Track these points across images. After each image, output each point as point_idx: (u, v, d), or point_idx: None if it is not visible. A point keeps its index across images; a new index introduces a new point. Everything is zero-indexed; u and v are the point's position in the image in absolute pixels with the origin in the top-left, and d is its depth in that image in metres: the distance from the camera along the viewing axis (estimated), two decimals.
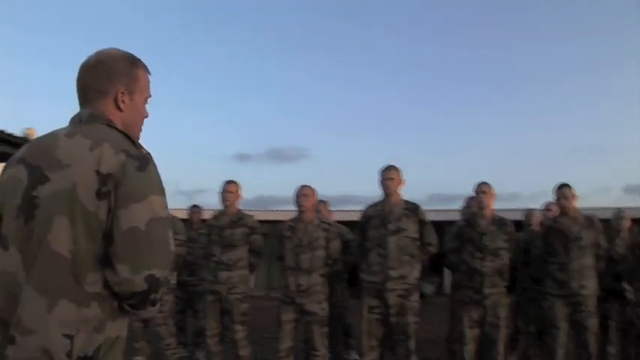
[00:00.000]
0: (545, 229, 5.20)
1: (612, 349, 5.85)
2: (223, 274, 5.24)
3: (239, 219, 5.44)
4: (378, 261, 4.95)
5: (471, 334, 4.92)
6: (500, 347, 4.92)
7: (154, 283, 1.47)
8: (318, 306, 5.06)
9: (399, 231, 4.96)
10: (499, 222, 5.03)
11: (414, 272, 5.01)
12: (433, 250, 5.27)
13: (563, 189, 5.06)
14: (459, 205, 6.06)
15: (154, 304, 1.53)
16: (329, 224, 5.38)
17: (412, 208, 5.09)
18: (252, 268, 5.57)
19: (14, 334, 1.43)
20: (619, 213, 6.19)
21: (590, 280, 4.95)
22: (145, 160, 1.53)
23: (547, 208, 6.25)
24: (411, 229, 5.01)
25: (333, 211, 7.27)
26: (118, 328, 1.55)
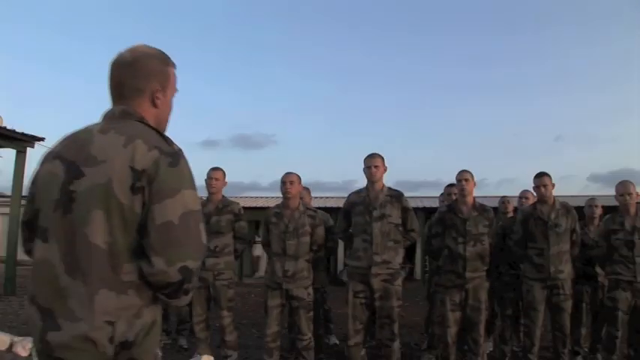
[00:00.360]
0: (524, 215, 5.36)
1: (583, 330, 6.08)
2: (210, 261, 5.28)
3: (224, 206, 5.48)
4: (363, 247, 5.06)
5: (453, 317, 5.05)
6: (481, 329, 5.06)
7: (187, 274, 1.55)
8: (305, 291, 5.14)
9: (383, 217, 5.07)
10: (480, 208, 5.18)
11: (398, 257, 5.14)
12: (416, 236, 5.41)
13: (542, 177, 5.23)
14: (423, 191, 6.18)
15: (186, 293, 1.63)
16: (314, 211, 5.46)
17: (396, 195, 5.20)
18: (236, 254, 5.64)
19: (59, 321, 1.52)
20: (592, 201, 6.43)
21: (566, 264, 5.14)
22: (176, 157, 1.60)
23: (523, 196, 6.42)
24: (395, 215, 5.12)
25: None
26: (154, 313, 1.64)
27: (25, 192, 10.64)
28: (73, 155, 1.61)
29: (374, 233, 5.03)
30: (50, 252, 1.57)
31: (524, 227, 5.27)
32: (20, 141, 11.46)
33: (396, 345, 5.09)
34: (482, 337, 5.09)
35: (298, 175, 5.35)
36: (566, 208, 5.25)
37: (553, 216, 5.15)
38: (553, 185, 5.25)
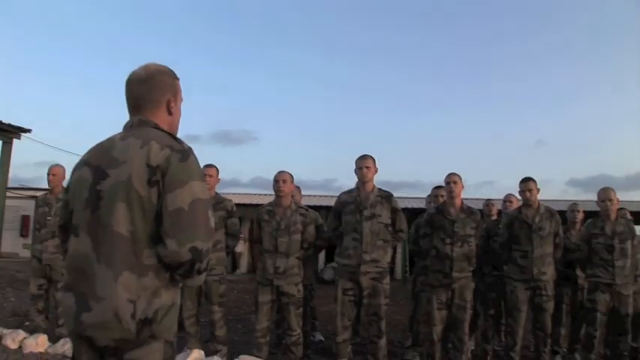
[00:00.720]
0: (509, 218, 5.52)
1: (563, 330, 6.27)
2: None
3: (217, 202, 5.56)
4: (353, 245, 5.18)
5: (439, 315, 5.19)
6: (466, 328, 5.21)
7: (197, 254, 1.76)
8: (295, 288, 5.25)
9: (373, 217, 5.20)
10: (468, 210, 5.33)
11: (387, 257, 5.29)
12: (404, 236, 5.55)
13: (528, 182, 5.41)
14: (402, 192, 6.28)
15: (199, 272, 1.83)
16: (306, 209, 5.57)
17: (386, 196, 5.34)
18: (228, 250, 5.73)
19: (90, 302, 1.74)
20: (574, 206, 6.64)
21: (549, 266, 5.31)
22: (185, 153, 1.84)
23: (507, 200, 6.59)
24: (385, 215, 5.26)
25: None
26: (172, 296, 1.85)
27: (10, 183, 10.60)
28: (99, 160, 1.87)
29: (364, 232, 5.15)
30: (82, 244, 1.80)
31: (509, 230, 5.44)
32: (6, 132, 11.43)
33: (383, 342, 5.22)
34: (467, 335, 5.24)
35: (291, 174, 5.45)
36: (550, 212, 5.43)
37: (537, 220, 5.32)
38: (538, 190, 5.42)
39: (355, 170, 5.35)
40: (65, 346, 5.55)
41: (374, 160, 5.35)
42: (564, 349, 6.34)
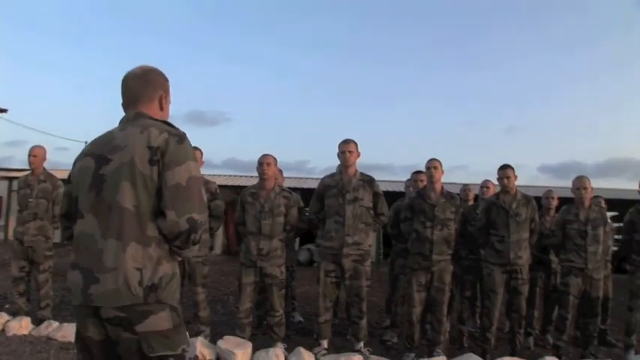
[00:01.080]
0: (487, 204, 5.66)
1: (536, 313, 6.47)
2: None
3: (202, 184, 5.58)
4: (335, 228, 5.28)
5: (418, 297, 5.32)
6: (444, 309, 5.37)
7: (193, 224, 1.97)
8: (278, 269, 5.33)
9: (355, 200, 5.30)
10: (448, 195, 5.45)
11: (368, 239, 5.40)
12: (385, 219, 5.66)
13: (506, 170, 5.54)
14: (375, 175, 6.30)
15: (194, 243, 2.05)
16: (289, 192, 5.63)
17: (368, 180, 5.43)
18: (211, 232, 5.78)
19: (97, 275, 1.90)
20: (549, 193, 6.83)
21: (525, 251, 5.47)
22: (182, 136, 2.04)
23: (484, 185, 6.73)
24: (366, 199, 5.36)
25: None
26: (172, 266, 2.05)
27: None
28: (100, 149, 2.05)
29: (346, 215, 5.25)
30: (86, 224, 1.98)
31: (487, 215, 5.58)
32: None
33: (364, 322, 5.35)
34: (445, 316, 5.39)
35: (274, 157, 5.51)
36: (526, 198, 5.58)
37: (514, 206, 5.46)
38: (515, 177, 5.56)
39: (338, 154, 5.42)
40: (49, 328, 5.57)
41: (356, 144, 5.43)
42: (537, 331, 6.55)
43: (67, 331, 5.42)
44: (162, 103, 2.23)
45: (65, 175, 2.45)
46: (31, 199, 5.98)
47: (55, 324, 5.66)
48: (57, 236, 6.76)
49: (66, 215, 2.22)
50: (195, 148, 5.58)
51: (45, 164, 6.19)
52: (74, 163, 2.18)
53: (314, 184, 18.07)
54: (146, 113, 2.14)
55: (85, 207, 1.99)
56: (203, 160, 5.76)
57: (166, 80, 2.27)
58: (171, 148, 1.96)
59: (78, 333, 2.04)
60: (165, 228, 1.95)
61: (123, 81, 2.20)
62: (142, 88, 2.17)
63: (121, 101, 2.22)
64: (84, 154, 2.12)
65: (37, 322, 5.80)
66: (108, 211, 1.93)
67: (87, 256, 1.95)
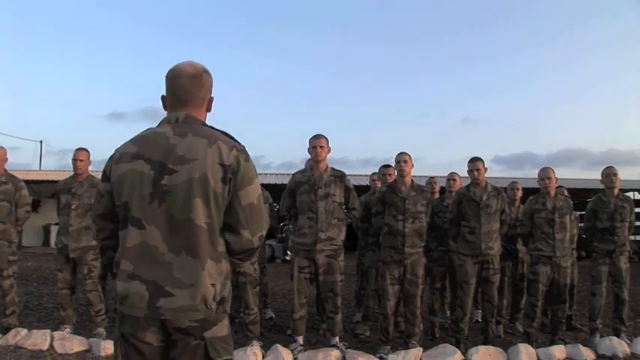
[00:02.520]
0: (458, 196, 5.73)
1: (505, 301, 6.59)
2: None
3: None
4: (308, 224, 5.27)
5: (392, 290, 5.36)
6: (418, 301, 5.42)
7: (261, 240, 2.08)
8: (251, 267, 5.30)
9: (327, 196, 5.30)
10: (418, 188, 5.50)
11: (341, 235, 5.41)
12: (357, 214, 5.69)
13: (476, 162, 5.61)
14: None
15: (254, 254, 2.17)
16: (261, 188, 5.58)
17: (339, 175, 5.44)
18: None
19: (169, 289, 1.90)
20: (514, 184, 6.96)
21: (496, 242, 5.56)
22: (246, 153, 2.05)
23: (451, 178, 6.80)
24: (338, 194, 5.37)
25: None
26: (230, 275, 2.11)
27: None
28: (159, 156, 1.96)
29: (319, 211, 5.25)
30: (149, 236, 1.93)
31: (458, 207, 5.64)
32: None
33: (339, 317, 5.36)
34: (419, 308, 5.43)
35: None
36: (497, 190, 5.66)
37: (485, 197, 5.54)
38: (485, 169, 5.64)
39: (309, 149, 5.41)
40: (17, 336, 5.38)
41: (327, 139, 5.42)
42: (506, 319, 6.67)
43: (37, 339, 5.28)
44: (211, 105, 2.20)
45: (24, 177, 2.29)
46: None
47: (24, 331, 5.47)
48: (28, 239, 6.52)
49: (103, 216, 2.13)
50: None
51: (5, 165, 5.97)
52: (115, 162, 2.04)
53: (273, 180, 18.11)
54: (197, 118, 2.09)
55: (146, 217, 1.94)
56: None
57: (212, 79, 2.20)
58: (243, 167, 1.98)
59: (125, 337, 1.98)
60: (238, 245, 2.00)
61: (173, 79, 2.09)
62: (197, 89, 2.10)
63: (167, 99, 2.12)
64: (132, 156, 2.00)
65: (3, 330, 5.61)
66: (176, 226, 1.92)
67: (150, 268, 1.93)
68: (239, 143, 2.06)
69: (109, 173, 2.06)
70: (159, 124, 2.10)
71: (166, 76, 2.11)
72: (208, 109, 2.20)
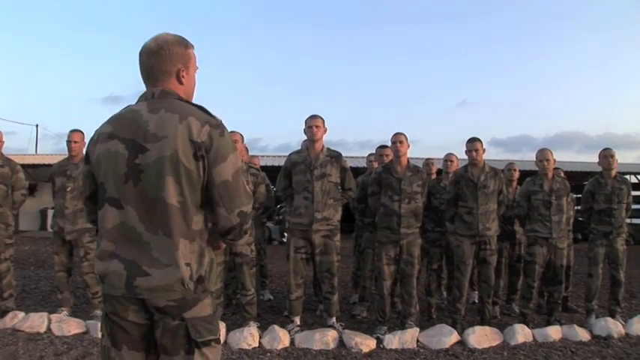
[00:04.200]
0: (456, 177, 5.72)
1: (501, 282, 6.61)
2: None
3: None
4: (304, 204, 5.26)
5: (388, 270, 5.37)
6: (414, 282, 5.42)
7: (243, 217, 1.98)
8: (248, 248, 5.29)
9: (323, 176, 5.28)
10: (414, 169, 5.48)
11: (337, 215, 5.39)
12: (353, 195, 5.67)
13: (474, 142, 5.59)
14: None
15: (245, 232, 2.04)
16: (257, 170, 5.57)
17: (335, 156, 5.42)
18: None
19: (146, 269, 1.88)
20: (511, 165, 6.95)
21: (493, 222, 5.56)
22: (221, 127, 1.98)
23: (448, 159, 6.79)
24: (334, 174, 5.35)
25: None
26: (210, 254, 2.06)
27: None
28: (131, 134, 1.93)
29: (315, 191, 5.23)
30: (127, 216, 1.91)
31: (456, 188, 5.63)
32: None
33: (336, 298, 5.37)
34: (415, 289, 5.44)
35: (241, 134, 5.45)
36: (494, 171, 5.65)
37: (482, 178, 5.52)
38: (484, 150, 5.62)
39: (304, 130, 5.38)
40: (15, 319, 5.37)
41: (323, 120, 5.40)
42: (503, 300, 6.69)
43: (35, 322, 5.27)
44: (182, 76, 2.07)
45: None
46: None
47: (21, 314, 5.46)
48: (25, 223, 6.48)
49: (90, 198, 2.12)
50: (233, 132, 5.41)
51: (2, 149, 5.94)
52: (93, 143, 2.03)
53: (270, 162, 18.11)
54: (174, 92, 2.03)
55: (122, 197, 1.92)
56: (244, 144, 5.62)
57: (187, 48, 2.10)
58: (215, 144, 1.91)
59: (109, 317, 1.99)
60: (218, 224, 1.96)
61: (139, 56, 2.06)
62: (157, 64, 2.03)
63: (141, 76, 2.08)
64: (107, 136, 1.98)
65: (1, 313, 5.60)
66: (150, 205, 1.89)
67: (129, 247, 1.91)
68: (214, 118, 2.00)
69: (90, 155, 2.05)
70: (137, 101, 2.06)
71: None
72: (180, 82, 2.09)
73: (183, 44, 2.10)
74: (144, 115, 1.95)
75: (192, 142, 1.88)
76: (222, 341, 3.73)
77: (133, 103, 2.07)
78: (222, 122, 2.02)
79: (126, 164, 1.91)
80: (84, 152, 5.72)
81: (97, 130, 2.06)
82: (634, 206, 6.77)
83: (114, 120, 2.03)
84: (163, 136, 1.88)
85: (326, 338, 4.92)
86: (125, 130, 1.95)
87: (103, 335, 2.03)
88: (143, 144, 1.90)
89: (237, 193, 1.95)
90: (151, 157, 1.88)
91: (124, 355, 1.97)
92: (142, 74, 2.07)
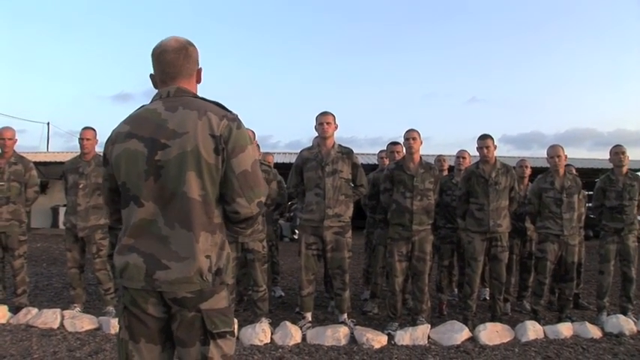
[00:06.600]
0: (467, 173, 5.71)
1: (512, 279, 6.60)
2: None
3: None
4: (316, 200, 5.27)
5: (400, 267, 5.38)
6: (426, 278, 5.43)
7: (261, 207, 2.07)
8: (260, 244, 5.31)
9: (335, 173, 5.29)
10: (427, 166, 5.48)
11: (349, 211, 5.40)
12: (364, 191, 5.68)
13: (485, 139, 5.58)
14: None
15: (257, 222, 2.19)
16: (268, 166, 5.58)
17: (346, 152, 5.43)
18: None
19: (166, 262, 1.92)
20: (522, 162, 6.95)
21: (504, 219, 5.55)
22: (238, 121, 2.04)
23: (460, 155, 6.79)
24: (345, 171, 5.36)
25: None
26: (229, 246, 2.11)
27: None
28: (150, 132, 1.97)
29: (326, 188, 5.25)
30: (148, 212, 1.95)
31: (467, 184, 5.63)
32: None
33: (347, 294, 5.39)
34: (426, 285, 5.45)
35: (252, 131, 5.47)
36: (506, 167, 5.64)
37: (494, 175, 5.52)
38: (495, 147, 5.62)
39: (315, 126, 5.40)
40: (28, 315, 5.40)
41: (334, 116, 5.41)
42: (514, 297, 6.68)
43: (48, 318, 5.31)
44: (200, 77, 2.19)
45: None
46: (2, 183, 5.75)
47: (35, 310, 5.49)
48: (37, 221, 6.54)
49: (112, 199, 2.17)
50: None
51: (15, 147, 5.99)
52: (111, 143, 2.07)
53: (280, 159, 18.13)
54: (188, 89, 2.09)
55: (143, 195, 1.95)
56: (256, 140, 5.66)
57: (198, 52, 2.20)
58: (234, 135, 1.97)
59: (127, 309, 2.02)
60: (237, 214, 2.01)
61: (159, 55, 2.08)
62: (184, 61, 2.09)
63: (156, 75, 2.12)
64: (125, 135, 2.01)
65: (15, 309, 5.64)
66: (171, 199, 1.93)
67: (148, 241, 1.95)
68: (230, 112, 2.06)
69: (108, 156, 2.08)
70: (152, 101, 2.10)
71: (152, 54, 2.10)
72: (198, 81, 2.19)
73: (196, 48, 2.19)
74: (162, 114, 1.99)
75: (213, 137, 1.93)
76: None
77: (143, 100, 2.12)
78: (239, 116, 2.07)
79: (146, 162, 1.95)
80: (97, 152, 5.83)
81: (113, 130, 2.09)
82: None
83: (130, 119, 2.07)
84: (184, 132, 1.92)
85: (337, 334, 4.93)
86: (143, 129, 1.99)
87: (120, 328, 2.05)
88: (163, 141, 1.94)
89: (256, 183, 2.01)
90: (171, 153, 1.92)
91: (142, 348, 2.00)
92: (162, 72, 2.10)
